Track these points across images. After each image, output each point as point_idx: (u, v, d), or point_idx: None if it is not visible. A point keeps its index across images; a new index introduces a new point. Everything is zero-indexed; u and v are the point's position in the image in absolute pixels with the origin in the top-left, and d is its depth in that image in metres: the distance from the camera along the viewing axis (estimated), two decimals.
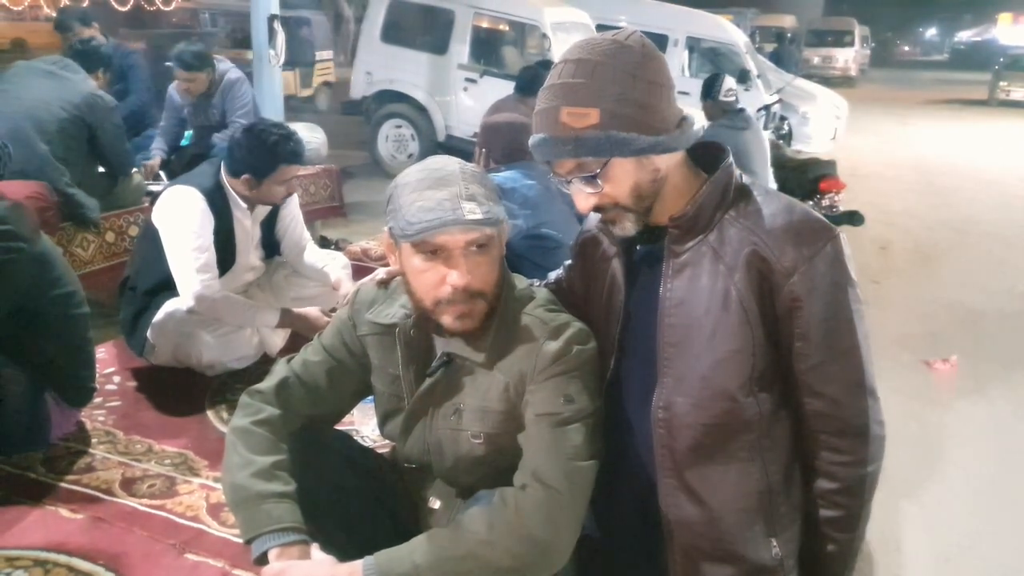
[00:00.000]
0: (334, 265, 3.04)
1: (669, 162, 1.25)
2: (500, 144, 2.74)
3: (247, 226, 2.81)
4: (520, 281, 1.46)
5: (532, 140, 1.24)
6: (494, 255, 1.34)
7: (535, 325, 1.36)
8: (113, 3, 9.44)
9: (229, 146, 2.65)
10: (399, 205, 1.29)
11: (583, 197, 1.25)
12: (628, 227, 1.27)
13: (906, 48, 46.30)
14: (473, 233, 1.28)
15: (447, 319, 1.32)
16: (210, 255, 2.59)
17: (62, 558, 1.86)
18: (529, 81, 4.69)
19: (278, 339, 2.89)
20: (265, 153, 2.58)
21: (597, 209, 1.26)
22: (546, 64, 5.14)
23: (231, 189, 2.69)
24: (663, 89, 1.21)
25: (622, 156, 1.19)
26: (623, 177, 1.21)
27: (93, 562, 1.85)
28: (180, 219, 2.57)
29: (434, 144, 7.27)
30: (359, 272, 3.22)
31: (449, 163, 1.33)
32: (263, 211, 2.87)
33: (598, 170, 1.20)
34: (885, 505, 2.35)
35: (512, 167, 2.69)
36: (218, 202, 2.65)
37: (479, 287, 1.31)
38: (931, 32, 52.15)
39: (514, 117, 2.92)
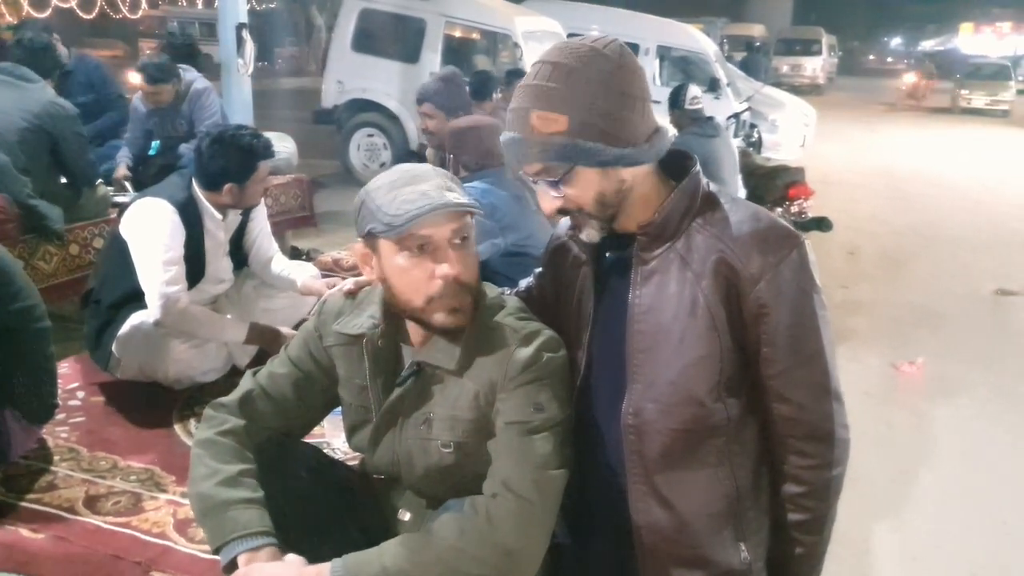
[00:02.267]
0: (300, 271, 3.02)
1: (636, 172, 1.24)
2: (469, 149, 2.70)
3: (219, 238, 2.79)
4: (491, 289, 1.46)
5: (503, 138, 1.25)
6: (473, 249, 1.36)
7: (506, 333, 1.35)
8: (77, 11, 9.31)
9: (199, 161, 2.61)
10: (376, 206, 1.28)
11: (548, 200, 1.26)
12: (592, 233, 1.27)
13: (871, 56, 47.19)
14: (458, 221, 1.29)
15: (439, 316, 1.31)
16: (180, 268, 2.56)
17: None
18: (480, 86, 4.70)
19: (247, 352, 2.85)
20: (243, 156, 2.58)
21: (561, 212, 1.27)
22: (518, 72, 5.15)
23: (205, 201, 2.66)
24: (636, 101, 1.20)
25: (586, 165, 1.19)
26: (586, 185, 1.22)
27: None
28: (151, 231, 2.54)
29: (406, 153, 7.22)
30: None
31: (419, 165, 1.35)
32: (234, 222, 2.85)
33: (560, 176, 1.21)
34: (853, 505, 2.37)
35: (484, 175, 2.67)
36: (190, 214, 2.62)
37: (468, 279, 1.31)
38: (896, 41, 53.17)
39: (480, 120, 2.88)
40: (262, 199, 2.89)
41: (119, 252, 2.60)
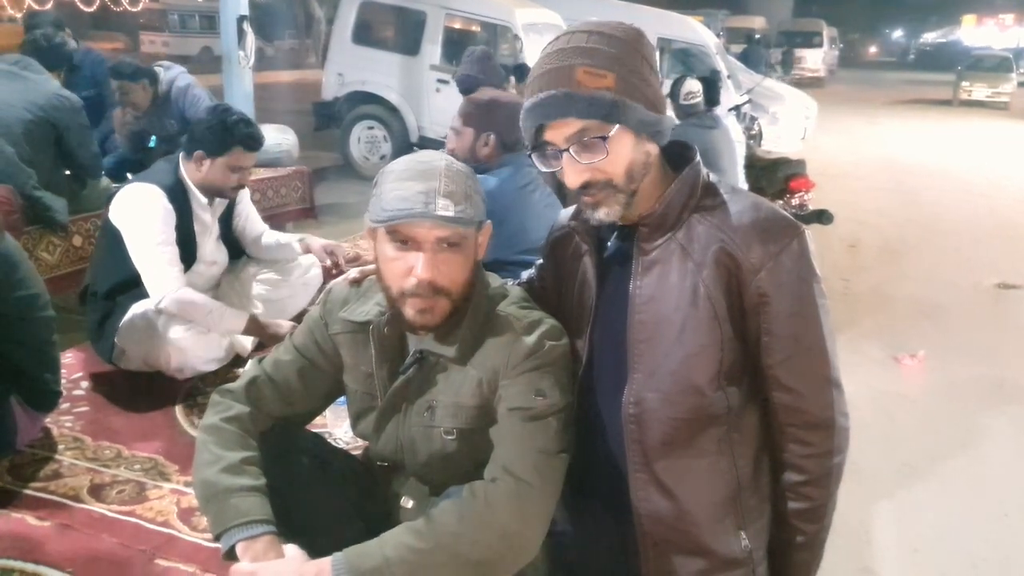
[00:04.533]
0: (291, 240, 3.11)
1: (654, 151, 1.26)
2: (509, 127, 2.39)
3: (206, 221, 2.82)
4: (493, 279, 1.47)
5: (535, 99, 1.20)
6: (466, 255, 1.34)
7: (509, 321, 1.37)
8: (79, 4, 9.27)
9: (190, 129, 2.66)
10: (380, 192, 1.30)
11: (576, 171, 1.22)
12: (615, 210, 1.24)
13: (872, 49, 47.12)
14: (444, 230, 1.28)
15: (409, 311, 1.32)
16: (174, 251, 2.58)
17: (29, 567, 1.83)
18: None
19: (249, 341, 2.87)
20: (222, 131, 2.59)
21: (586, 186, 1.23)
22: (525, 68, 5.15)
23: (192, 186, 2.69)
24: (656, 77, 1.24)
25: (628, 126, 1.19)
26: (622, 152, 1.21)
27: (61, 570, 1.82)
28: (142, 216, 2.56)
29: (407, 145, 7.24)
30: (332, 274, 3.21)
31: (436, 158, 1.33)
32: (221, 205, 2.88)
33: (603, 135, 1.18)
34: (854, 497, 2.38)
35: (507, 161, 2.50)
36: (179, 197, 2.65)
37: (444, 284, 1.31)
38: (897, 33, 52.99)
39: (512, 96, 2.69)
40: (241, 191, 2.86)
41: (111, 240, 2.62)
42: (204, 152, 2.61)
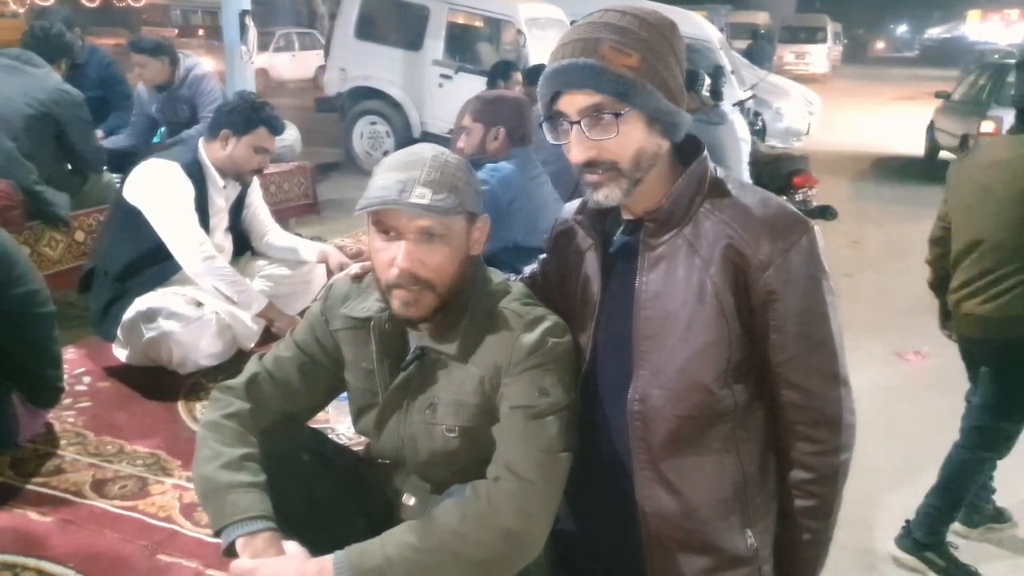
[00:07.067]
0: (306, 246, 3.16)
1: (665, 145, 1.25)
2: (517, 121, 2.54)
3: (220, 204, 2.86)
4: (496, 275, 1.46)
5: (557, 65, 1.19)
6: (453, 247, 1.32)
7: (510, 318, 1.36)
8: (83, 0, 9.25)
9: (215, 112, 2.80)
10: (370, 183, 1.31)
11: (583, 146, 1.21)
12: (615, 194, 1.23)
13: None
14: (425, 219, 1.27)
15: (394, 303, 1.32)
16: (195, 217, 2.66)
17: (31, 562, 1.82)
18: (501, 74, 4.72)
19: (251, 335, 2.87)
20: (249, 110, 2.74)
21: (590, 164, 1.22)
22: (537, 68, 5.17)
23: (209, 165, 2.75)
24: (681, 71, 1.24)
25: (644, 111, 1.18)
26: (631, 136, 1.19)
27: (63, 565, 1.81)
28: (163, 186, 2.62)
29: (409, 140, 7.24)
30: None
31: (427, 150, 1.33)
32: (233, 191, 2.92)
33: (621, 112, 1.17)
34: (857, 494, 2.37)
35: (516, 154, 2.56)
36: (195, 175, 2.71)
37: (425, 275, 1.29)
38: (902, 29, 52.83)
39: (516, 94, 2.81)
40: (254, 179, 2.99)
41: (124, 218, 2.65)
42: (231, 131, 2.72)
